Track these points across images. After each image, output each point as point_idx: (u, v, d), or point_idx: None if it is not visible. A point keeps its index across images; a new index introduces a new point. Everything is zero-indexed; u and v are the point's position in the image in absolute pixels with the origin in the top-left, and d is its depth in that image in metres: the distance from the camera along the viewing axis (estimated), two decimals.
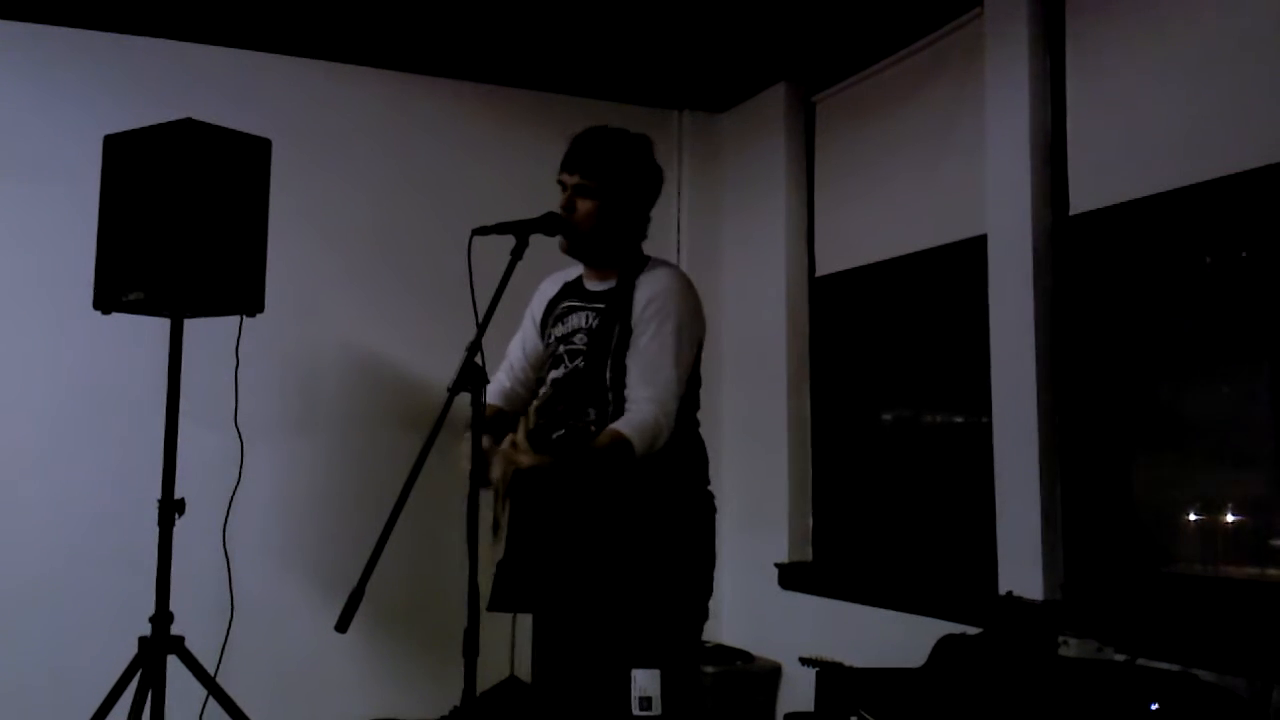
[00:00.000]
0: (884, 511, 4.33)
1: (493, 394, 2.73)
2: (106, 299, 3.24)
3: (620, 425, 2.41)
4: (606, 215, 2.59)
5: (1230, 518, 3.14)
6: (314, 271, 4.33)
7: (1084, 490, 3.41)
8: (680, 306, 2.55)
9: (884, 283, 4.36)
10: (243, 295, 3.29)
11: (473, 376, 2.24)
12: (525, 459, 2.39)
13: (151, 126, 3.21)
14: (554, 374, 2.65)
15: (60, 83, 4.10)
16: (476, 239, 2.39)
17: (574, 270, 2.77)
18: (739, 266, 4.93)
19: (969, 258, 3.79)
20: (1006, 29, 3.63)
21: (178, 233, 3.13)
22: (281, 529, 4.21)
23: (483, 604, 2.24)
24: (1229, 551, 3.14)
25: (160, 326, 3.33)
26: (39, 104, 4.07)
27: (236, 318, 3.37)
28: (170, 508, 3.20)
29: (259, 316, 3.35)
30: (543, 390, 2.69)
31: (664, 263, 2.69)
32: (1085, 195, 3.43)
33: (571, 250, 2.66)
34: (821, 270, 4.67)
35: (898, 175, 4.23)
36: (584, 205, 2.59)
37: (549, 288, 2.81)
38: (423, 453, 2.16)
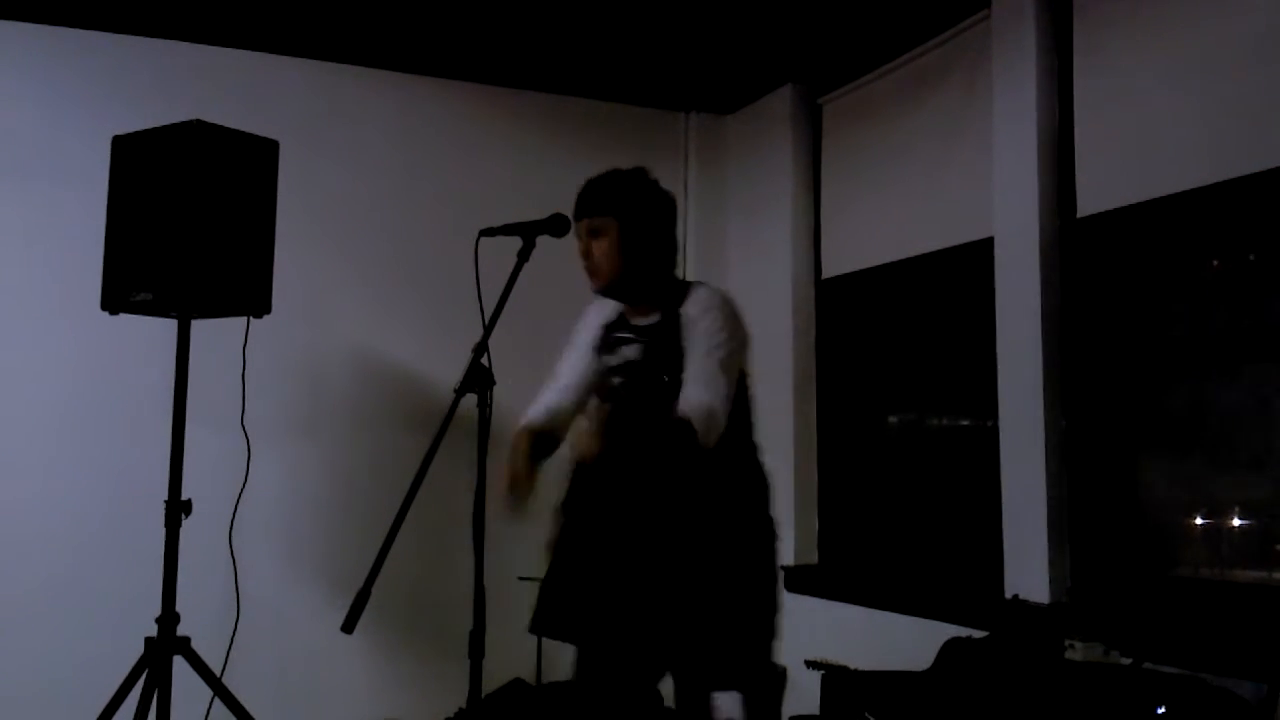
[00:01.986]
0: (890, 515, 4.33)
1: (539, 412, 2.71)
2: (114, 300, 3.25)
3: (679, 406, 2.39)
4: (626, 251, 2.59)
5: (1237, 521, 3.13)
6: (321, 273, 4.34)
7: (1090, 493, 3.40)
8: (729, 322, 2.55)
9: (890, 285, 4.35)
10: (250, 296, 3.30)
11: (479, 378, 2.25)
12: (592, 444, 2.36)
13: (160, 128, 3.22)
14: (607, 403, 2.65)
15: (69, 84, 4.11)
16: (483, 240, 2.39)
17: (619, 305, 2.74)
18: (745, 268, 4.93)
19: (976, 260, 3.79)
20: (1014, 31, 3.62)
21: (185, 234, 3.13)
22: (288, 530, 4.22)
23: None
24: (1236, 555, 3.14)
25: (168, 327, 3.34)
26: (48, 105, 4.08)
27: (244, 319, 3.38)
28: (177, 509, 3.20)
29: (266, 318, 3.36)
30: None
31: (702, 285, 2.67)
32: (1093, 198, 3.42)
33: (604, 292, 2.65)
34: (828, 272, 4.67)
35: (904, 178, 4.23)
36: (600, 245, 2.59)
37: (599, 313, 2.77)
38: (429, 454, 2.16)
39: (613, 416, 2.55)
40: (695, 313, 2.55)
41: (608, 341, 2.69)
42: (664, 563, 2.47)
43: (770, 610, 2.58)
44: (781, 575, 2.67)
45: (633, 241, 2.60)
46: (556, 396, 2.74)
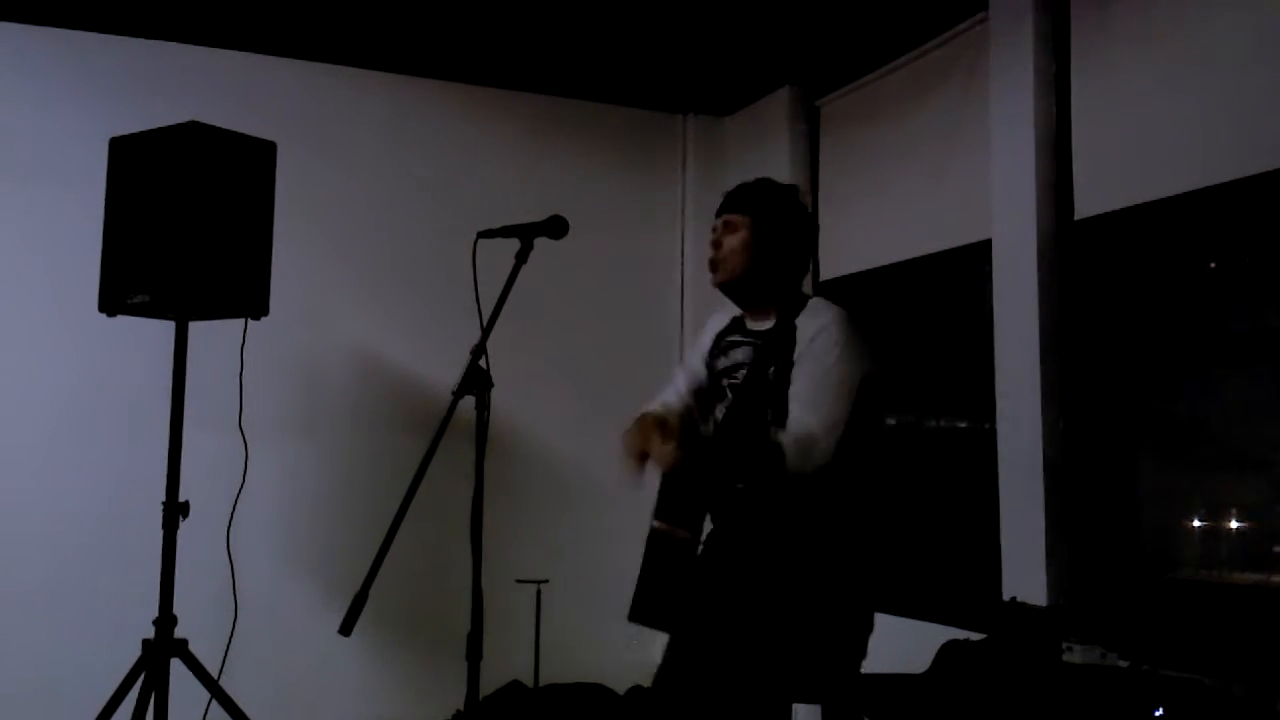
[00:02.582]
0: (888, 516, 4.32)
1: (654, 408, 2.71)
2: (112, 301, 3.25)
3: (777, 432, 2.38)
4: (756, 251, 2.59)
5: (1235, 524, 3.13)
6: (319, 274, 4.34)
7: (1088, 496, 3.40)
8: (845, 340, 2.51)
9: (888, 287, 4.36)
10: (247, 298, 3.29)
11: (477, 380, 2.25)
12: (668, 452, 2.31)
13: (157, 129, 3.21)
14: (721, 409, 2.63)
15: (66, 85, 4.11)
16: (481, 242, 2.39)
17: (736, 308, 2.75)
18: None
19: (973, 262, 3.79)
20: (1011, 33, 3.63)
21: (183, 235, 3.13)
22: (285, 532, 4.22)
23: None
24: (1233, 558, 3.14)
25: (165, 329, 3.33)
26: (45, 106, 4.08)
27: (241, 321, 3.37)
28: (174, 510, 3.20)
29: (264, 319, 3.35)
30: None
31: (824, 300, 2.65)
32: (1090, 200, 3.43)
33: (722, 286, 2.65)
34: (826, 275, 4.66)
35: (902, 179, 4.23)
36: (731, 240, 2.60)
37: (718, 321, 2.78)
38: (427, 456, 2.16)
39: (693, 429, 2.47)
40: (809, 326, 2.52)
41: (720, 346, 2.70)
42: (749, 581, 2.47)
43: (859, 628, 2.57)
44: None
45: (763, 245, 2.60)
46: (671, 398, 2.78)
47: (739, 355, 2.63)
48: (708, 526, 2.56)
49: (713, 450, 2.41)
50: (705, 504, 2.50)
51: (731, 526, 2.55)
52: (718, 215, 2.66)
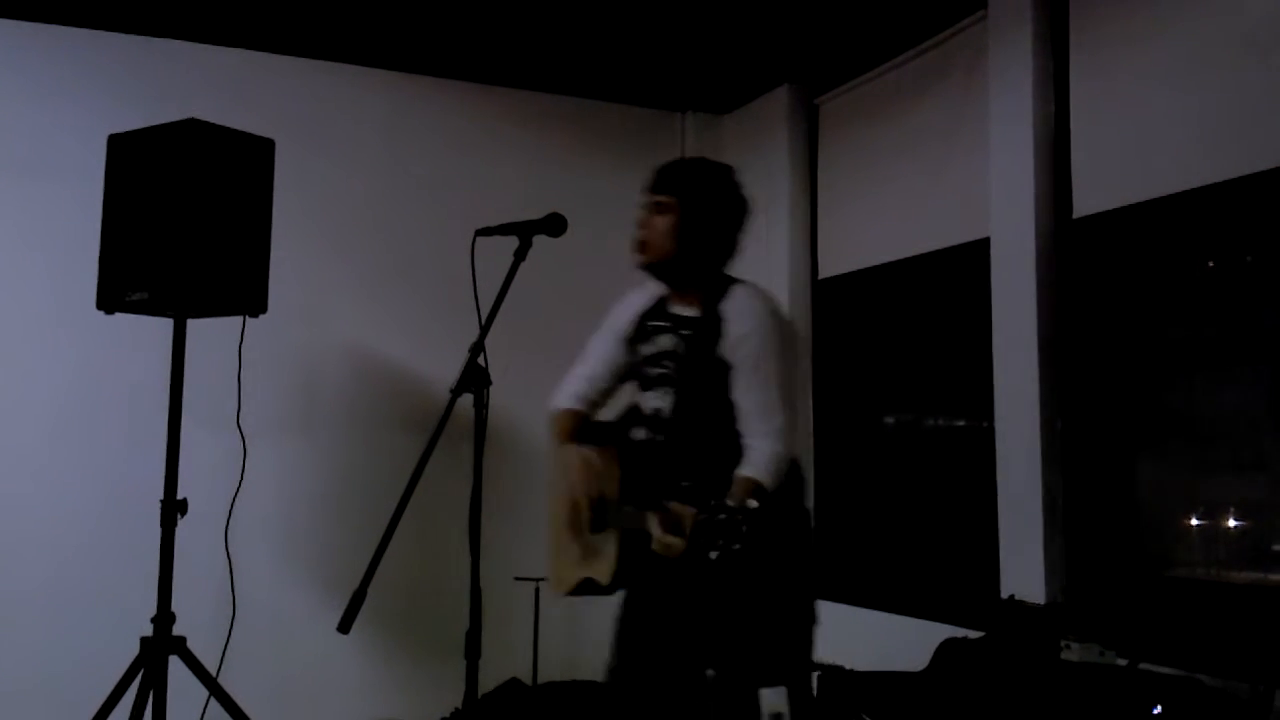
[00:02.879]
0: (887, 514, 4.33)
1: (570, 398, 2.73)
2: (110, 299, 3.24)
3: (749, 471, 2.39)
4: (683, 233, 2.57)
5: (1232, 522, 3.13)
6: (317, 272, 4.33)
7: (1086, 494, 3.41)
8: (780, 332, 2.52)
9: (887, 285, 4.36)
10: (246, 296, 3.29)
11: (476, 378, 2.24)
12: (677, 545, 2.28)
13: (155, 126, 3.21)
14: (652, 399, 2.61)
15: (65, 82, 4.10)
16: (480, 240, 2.38)
17: (659, 287, 2.71)
18: (742, 268, 4.89)
19: (972, 260, 3.79)
20: (1010, 32, 3.63)
21: (181, 233, 3.12)
22: (284, 530, 4.21)
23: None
24: (1231, 555, 3.14)
25: (163, 327, 3.33)
26: (43, 104, 4.07)
27: (239, 318, 3.37)
28: (173, 508, 3.19)
29: (262, 317, 3.35)
30: (644, 411, 2.64)
31: (745, 284, 2.62)
32: (1089, 198, 3.43)
33: (646, 268, 2.63)
34: (824, 273, 4.67)
35: (901, 178, 4.23)
36: (659, 222, 2.58)
37: (637, 300, 2.74)
38: (425, 454, 2.16)
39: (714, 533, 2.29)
40: (739, 322, 2.50)
41: (644, 330, 2.67)
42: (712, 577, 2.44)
43: (811, 606, 2.59)
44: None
45: (692, 228, 2.57)
46: (585, 386, 2.74)
47: (666, 343, 2.61)
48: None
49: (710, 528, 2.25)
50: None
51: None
52: (646, 192, 2.62)
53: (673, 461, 2.52)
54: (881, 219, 4.34)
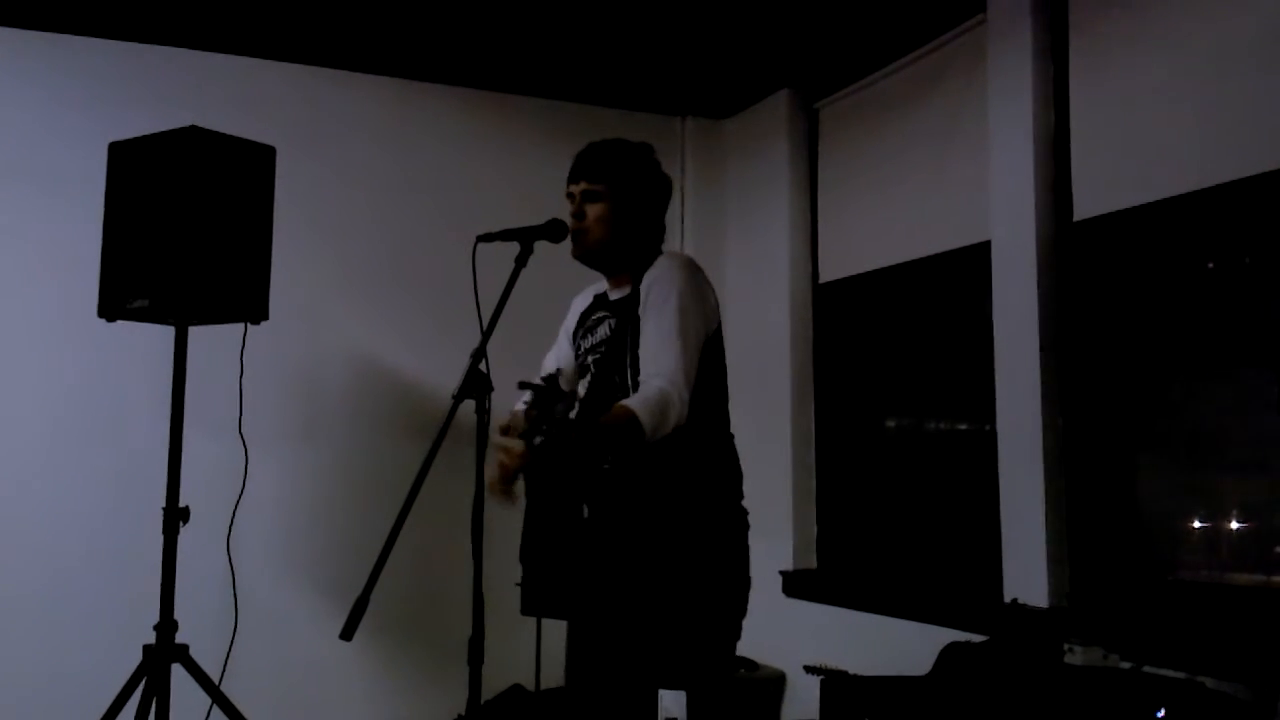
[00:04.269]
0: (889, 518, 4.32)
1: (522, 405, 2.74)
2: (111, 307, 3.24)
3: (627, 400, 2.33)
4: (617, 219, 2.59)
5: (1235, 524, 3.13)
6: (318, 279, 4.33)
7: (1089, 497, 3.40)
8: (681, 283, 2.48)
9: (888, 289, 4.36)
10: (247, 303, 3.29)
11: (477, 384, 2.24)
12: (509, 458, 2.33)
13: (157, 134, 3.21)
14: (585, 385, 2.63)
15: (66, 90, 4.11)
16: (481, 246, 2.39)
17: (603, 282, 2.75)
18: (742, 273, 4.93)
19: (973, 264, 3.79)
20: (1010, 35, 3.63)
21: (182, 240, 3.13)
22: (286, 537, 4.21)
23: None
24: (1234, 558, 3.14)
25: (165, 334, 3.33)
26: (45, 111, 4.08)
27: (241, 325, 3.37)
28: (175, 516, 3.20)
29: (263, 324, 3.35)
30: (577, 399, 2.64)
31: (672, 253, 2.65)
32: (1089, 201, 3.43)
33: (583, 257, 2.64)
34: (825, 277, 4.67)
35: (901, 181, 4.23)
36: (594, 210, 2.58)
37: (581, 301, 2.79)
38: (428, 460, 2.15)
39: (541, 417, 2.24)
40: (653, 278, 2.52)
41: (586, 325, 2.71)
42: (629, 554, 2.45)
43: (734, 608, 2.51)
44: (749, 577, 2.57)
45: (626, 215, 2.60)
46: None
47: (602, 331, 2.64)
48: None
49: (570, 432, 2.23)
50: (578, 487, 2.47)
51: (604, 507, 2.49)
52: (575, 178, 2.62)
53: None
54: (882, 223, 4.34)
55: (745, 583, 2.55)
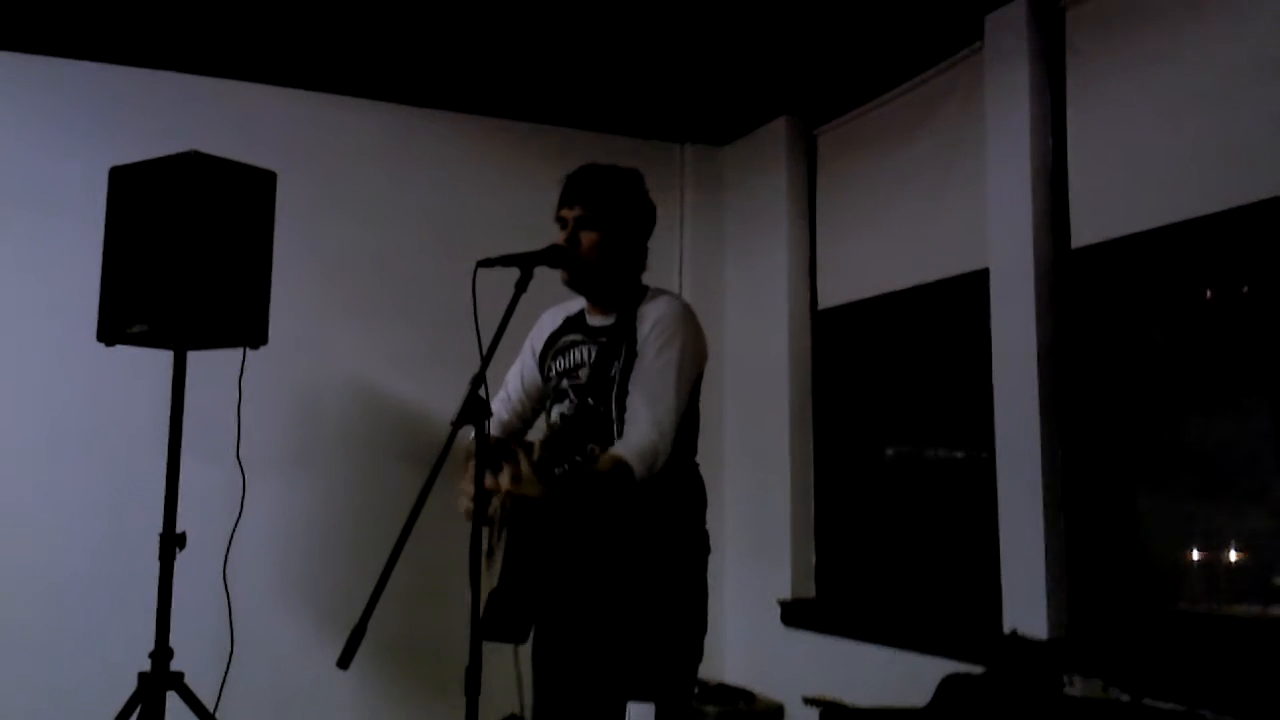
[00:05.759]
0: (887, 548, 4.31)
1: (490, 426, 2.73)
2: (110, 331, 3.24)
3: (619, 449, 2.40)
4: (609, 246, 2.60)
5: (1234, 555, 3.12)
6: (318, 304, 4.34)
7: (1088, 527, 3.39)
8: (684, 332, 2.55)
9: (886, 316, 4.36)
10: (246, 328, 3.29)
11: (476, 410, 2.23)
12: (531, 489, 2.36)
13: (157, 159, 3.22)
14: (560, 408, 2.64)
15: (66, 115, 4.12)
16: (481, 271, 2.39)
17: (575, 304, 2.76)
18: (741, 299, 4.93)
19: (971, 291, 3.80)
20: (1007, 63, 3.65)
21: (182, 265, 3.13)
22: (283, 564, 4.19)
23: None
24: (1234, 589, 3.13)
25: (163, 359, 3.33)
26: (45, 136, 4.09)
27: (240, 350, 3.37)
28: (171, 542, 3.18)
29: (262, 349, 3.35)
30: (550, 422, 2.68)
31: (665, 292, 2.69)
32: (1087, 229, 3.44)
33: (575, 284, 2.64)
34: (824, 303, 4.67)
35: (899, 209, 4.25)
36: (588, 237, 2.59)
37: (550, 320, 2.80)
38: (426, 487, 2.14)
39: (547, 462, 2.47)
40: (656, 316, 2.55)
41: (558, 347, 2.71)
42: (595, 575, 2.50)
43: (696, 627, 2.56)
44: (708, 593, 2.61)
45: (618, 243, 2.61)
46: (502, 409, 2.79)
47: (580, 354, 2.64)
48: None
49: (568, 483, 2.39)
50: (564, 528, 2.51)
51: (571, 529, 2.52)
52: (569, 202, 2.63)
53: (566, 454, 2.55)
54: (880, 249, 4.35)
55: (704, 602, 2.60)
